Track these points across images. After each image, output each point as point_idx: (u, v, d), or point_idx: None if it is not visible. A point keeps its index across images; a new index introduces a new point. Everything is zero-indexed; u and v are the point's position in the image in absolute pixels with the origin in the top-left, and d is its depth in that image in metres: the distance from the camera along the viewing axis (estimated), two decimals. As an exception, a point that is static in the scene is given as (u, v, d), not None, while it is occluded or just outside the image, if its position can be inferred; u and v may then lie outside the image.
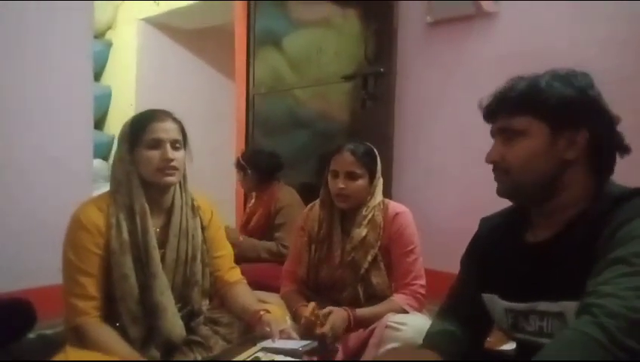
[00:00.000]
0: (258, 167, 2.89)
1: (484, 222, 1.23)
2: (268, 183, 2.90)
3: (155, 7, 4.66)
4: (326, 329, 1.58)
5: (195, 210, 1.62)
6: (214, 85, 5.21)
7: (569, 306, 0.94)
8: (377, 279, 1.73)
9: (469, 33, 2.68)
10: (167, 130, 1.49)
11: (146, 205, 1.49)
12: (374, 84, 2.95)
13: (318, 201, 1.87)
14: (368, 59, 3.00)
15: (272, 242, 2.74)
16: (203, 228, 1.63)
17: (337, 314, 1.62)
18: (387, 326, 1.56)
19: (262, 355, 1.40)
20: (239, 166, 2.97)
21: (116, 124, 4.79)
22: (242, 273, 1.75)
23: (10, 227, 2.42)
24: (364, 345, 1.61)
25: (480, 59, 2.63)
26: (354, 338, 1.66)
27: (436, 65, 2.81)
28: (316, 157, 3.21)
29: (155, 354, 1.47)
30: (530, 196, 1.06)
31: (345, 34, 3.16)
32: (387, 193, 2.16)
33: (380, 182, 1.81)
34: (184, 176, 1.59)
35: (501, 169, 1.06)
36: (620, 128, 1.03)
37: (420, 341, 1.21)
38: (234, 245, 1.84)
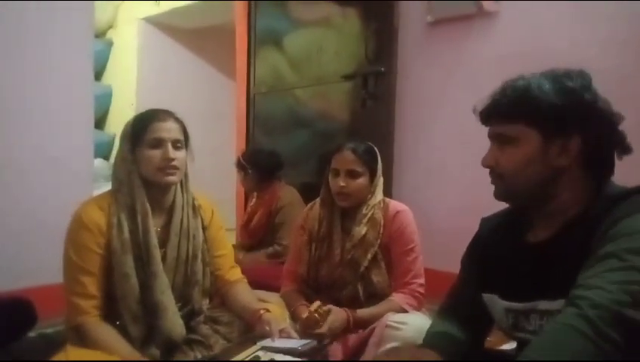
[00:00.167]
0: (259, 167, 2.89)
1: (485, 222, 1.23)
2: (269, 182, 2.90)
3: (156, 7, 4.67)
4: (324, 329, 1.58)
5: (196, 209, 1.62)
6: (215, 84, 5.21)
7: (569, 305, 0.94)
8: (377, 277, 1.73)
9: (469, 33, 2.68)
10: (168, 129, 1.50)
11: (148, 204, 1.49)
12: (375, 84, 2.95)
13: (318, 200, 1.87)
14: (369, 59, 3.00)
15: (271, 247, 2.76)
16: (204, 228, 1.64)
17: (336, 315, 1.62)
18: (387, 326, 1.56)
19: (262, 354, 1.40)
20: (240, 165, 2.97)
21: (117, 123, 4.80)
22: (243, 273, 1.76)
23: (10, 227, 2.41)
24: (364, 344, 1.61)
25: (480, 59, 2.63)
26: (354, 337, 1.65)
27: (436, 64, 2.81)
28: (316, 156, 3.20)
29: (156, 353, 1.48)
30: (525, 200, 1.07)
31: (345, 33, 3.16)
32: (387, 192, 2.16)
33: (380, 181, 1.81)
34: (185, 176, 1.59)
35: (495, 173, 1.07)
36: (620, 128, 1.02)
37: (420, 340, 1.21)
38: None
